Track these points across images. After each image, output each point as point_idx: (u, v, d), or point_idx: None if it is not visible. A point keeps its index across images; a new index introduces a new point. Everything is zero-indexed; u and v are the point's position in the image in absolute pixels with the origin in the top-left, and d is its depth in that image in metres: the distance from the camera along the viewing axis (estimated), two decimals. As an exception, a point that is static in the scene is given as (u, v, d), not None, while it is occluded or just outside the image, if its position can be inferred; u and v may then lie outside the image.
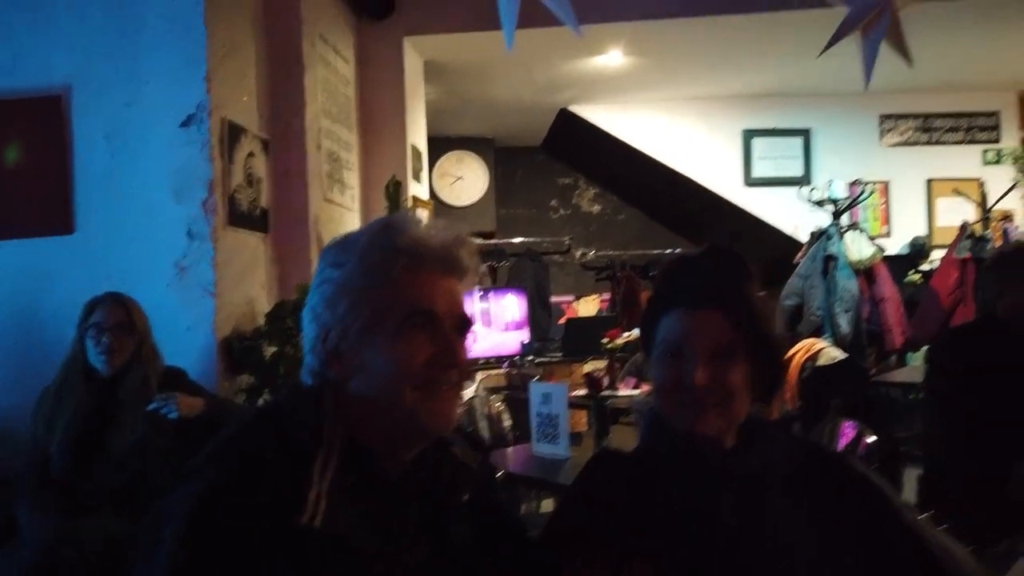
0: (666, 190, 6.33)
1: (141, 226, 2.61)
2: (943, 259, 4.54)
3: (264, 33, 3.11)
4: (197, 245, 2.56)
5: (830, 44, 3.15)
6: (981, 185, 5.70)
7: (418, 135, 4.71)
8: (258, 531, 0.87)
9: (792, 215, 5.42)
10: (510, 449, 2.52)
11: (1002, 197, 4.89)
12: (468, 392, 3.18)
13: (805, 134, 5.98)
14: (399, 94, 4.29)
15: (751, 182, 5.98)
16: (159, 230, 2.60)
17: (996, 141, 5.84)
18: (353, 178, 4.04)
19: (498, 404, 2.93)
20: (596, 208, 7.30)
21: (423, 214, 4.17)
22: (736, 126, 6.01)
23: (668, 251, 5.94)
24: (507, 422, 2.85)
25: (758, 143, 6.01)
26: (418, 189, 4.52)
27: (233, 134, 2.77)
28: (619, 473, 1.24)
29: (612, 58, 4.94)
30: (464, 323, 1.02)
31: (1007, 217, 4.87)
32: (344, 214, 3.81)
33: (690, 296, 1.20)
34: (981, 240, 4.33)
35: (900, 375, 3.70)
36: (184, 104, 2.60)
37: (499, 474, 1.38)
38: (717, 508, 1.14)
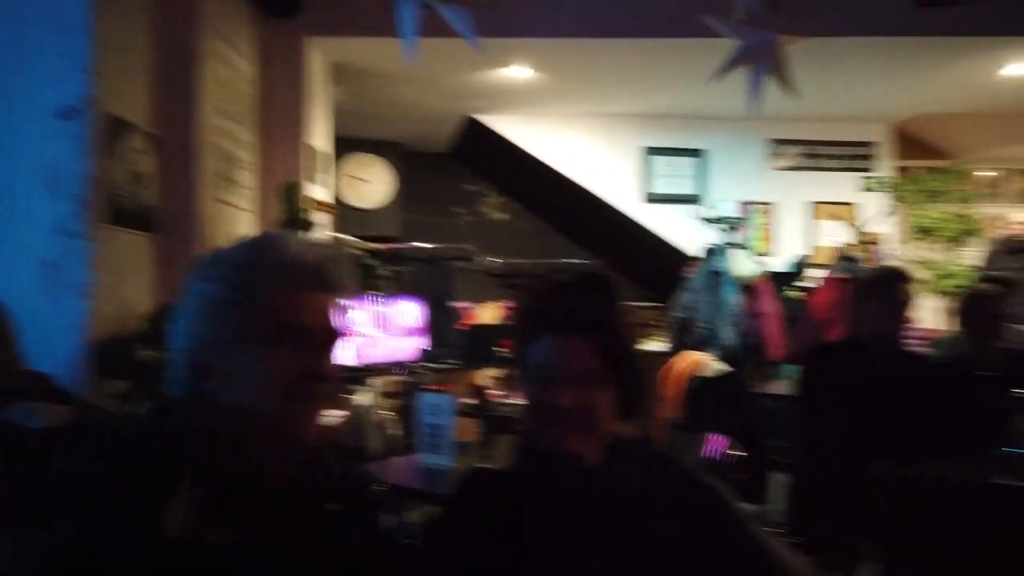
0: (570, 202, 6.47)
1: (11, 223, 2.46)
2: (823, 278, 4.85)
3: (157, 27, 3.00)
4: (71, 244, 2.44)
5: (718, 73, 3.34)
6: (858, 210, 6.11)
7: (321, 137, 4.63)
8: (126, 542, 0.89)
9: (687, 232, 5.65)
10: (397, 459, 2.52)
11: (873, 223, 5.26)
12: (364, 400, 3.15)
13: (701, 154, 6.25)
14: (301, 95, 4.22)
15: (649, 198, 6.20)
16: (31, 227, 2.45)
17: (873, 169, 6.26)
18: (251, 178, 3.94)
19: (388, 412, 2.92)
20: (501, 216, 7.37)
21: (321, 218, 4.11)
22: (637, 144, 6.22)
23: (572, 261, 6.07)
24: (397, 431, 2.83)
25: (657, 161, 6.23)
26: (319, 191, 4.45)
27: (117, 129, 2.65)
28: (489, 490, 1.27)
29: (520, 72, 5.03)
30: (333, 337, 1.06)
31: (873, 241, 5.24)
32: (239, 215, 3.71)
33: (559, 322, 1.25)
34: (853, 261, 4.65)
35: (776, 387, 3.90)
36: (64, 97, 2.47)
37: (380, 485, 1.40)
38: (581, 525, 1.19)
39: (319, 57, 4.47)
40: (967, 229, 5.71)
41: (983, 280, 4.37)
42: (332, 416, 2.56)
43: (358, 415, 2.81)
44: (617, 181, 6.19)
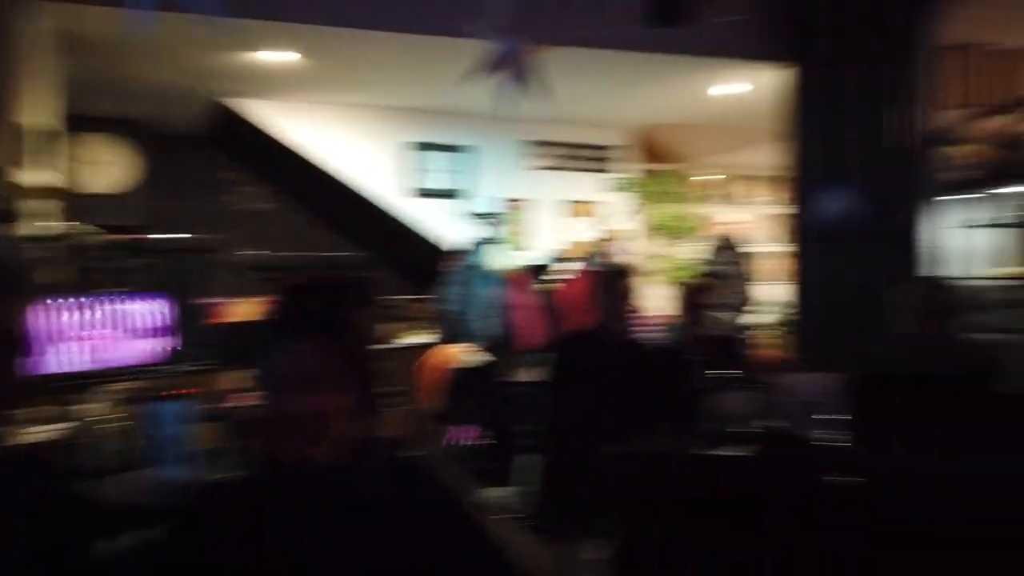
0: (337, 194, 6.35)
1: None
2: (574, 272, 5.22)
3: None
4: None
5: (470, 75, 3.48)
6: (607, 208, 6.67)
7: (44, 113, 4.10)
8: None
9: (452, 226, 5.80)
10: (131, 473, 2.32)
11: (620, 220, 5.76)
12: (94, 409, 2.85)
13: (468, 151, 6.43)
14: (9, 64, 3.70)
15: (419, 193, 6.27)
16: None
17: (621, 171, 6.85)
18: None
19: (124, 422, 2.66)
20: (262, 206, 7.03)
21: (42, 206, 3.64)
22: (409, 138, 6.26)
23: (336, 255, 5.96)
24: (133, 442, 2.59)
25: (425, 156, 6.31)
26: (38, 175, 3.94)
27: None
28: (223, 502, 1.23)
29: (286, 56, 4.83)
30: (15, 342, 0.99)
31: (611, 239, 5.79)
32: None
33: (295, 326, 1.24)
34: (600, 256, 5.08)
35: (530, 375, 4.14)
36: None
37: (104, 502, 1.29)
38: (313, 530, 1.19)
39: (42, 23, 3.95)
40: (692, 227, 6.49)
41: (702, 273, 4.99)
42: (50, 429, 2.29)
43: (85, 427, 2.54)
44: (386, 175, 6.18)
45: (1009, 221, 3.93)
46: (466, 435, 2.73)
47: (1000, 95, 4.46)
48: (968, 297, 3.36)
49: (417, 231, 6.16)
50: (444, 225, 5.89)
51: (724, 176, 7.21)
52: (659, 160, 7.09)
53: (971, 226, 4.08)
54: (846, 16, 4.36)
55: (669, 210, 6.59)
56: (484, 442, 2.78)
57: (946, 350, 2.36)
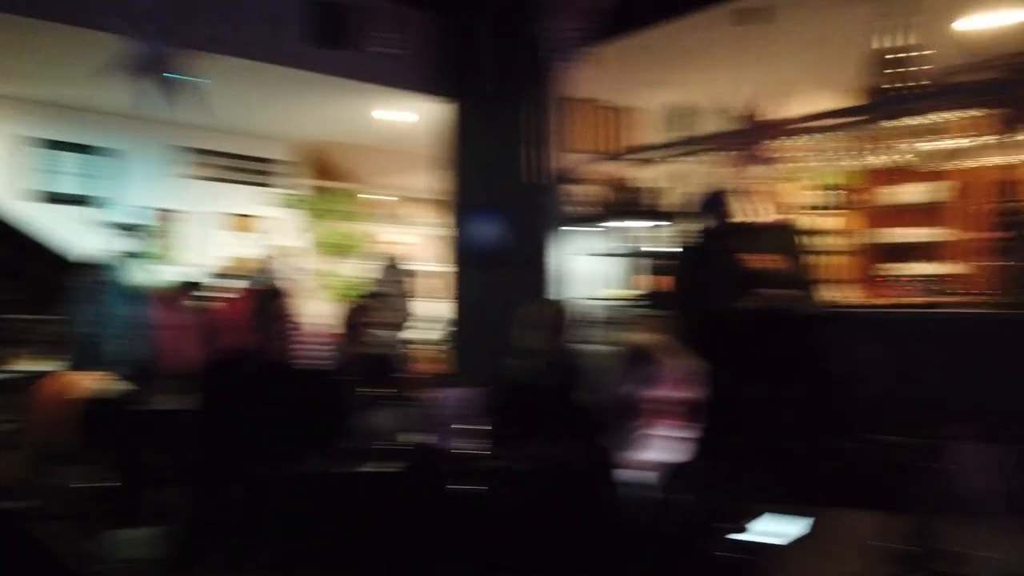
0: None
1: None
2: (235, 289, 4.94)
3: None
4: None
5: (108, 71, 3.18)
6: (271, 223, 6.44)
7: None
8: None
9: (84, 236, 5.13)
10: None
11: (286, 236, 5.61)
12: None
13: (110, 154, 5.76)
14: None
15: (44, 197, 5.45)
16: None
17: (288, 186, 6.68)
18: None
19: None
20: None
21: None
22: (32, 134, 5.42)
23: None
24: None
25: (56, 156, 5.53)
26: None
27: None
28: None
29: None
30: None
31: (275, 255, 5.64)
32: None
33: None
34: (262, 274, 4.89)
35: (176, 402, 3.81)
36: None
37: None
38: None
39: None
40: (358, 245, 6.58)
41: (365, 292, 5.09)
42: None
43: None
44: (4, 176, 5.28)
45: (619, 251, 4.66)
46: (94, 474, 2.43)
47: (612, 144, 5.29)
48: (581, 315, 3.91)
49: (40, 240, 5.33)
50: (75, 235, 5.17)
51: (392, 197, 7.43)
52: (328, 178, 7.06)
53: (590, 254, 4.75)
54: (494, 63, 4.82)
55: (336, 228, 6.60)
56: (114, 481, 2.50)
57: (550, 363, 2.72)
